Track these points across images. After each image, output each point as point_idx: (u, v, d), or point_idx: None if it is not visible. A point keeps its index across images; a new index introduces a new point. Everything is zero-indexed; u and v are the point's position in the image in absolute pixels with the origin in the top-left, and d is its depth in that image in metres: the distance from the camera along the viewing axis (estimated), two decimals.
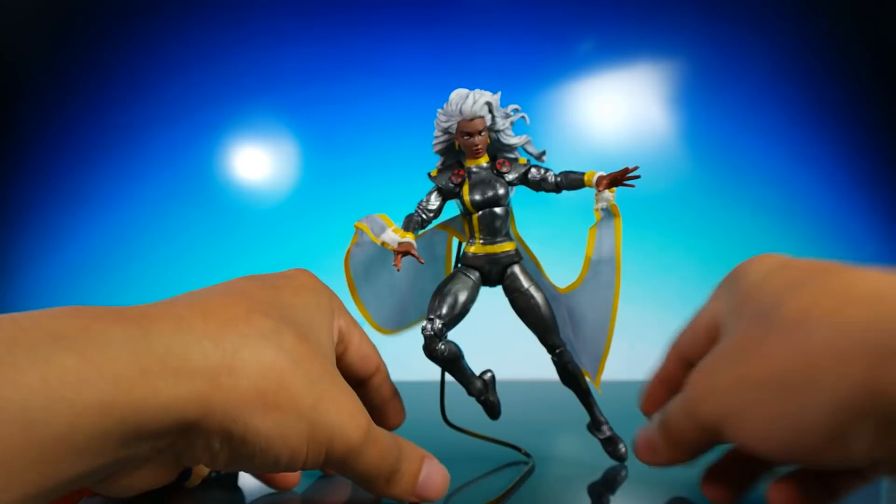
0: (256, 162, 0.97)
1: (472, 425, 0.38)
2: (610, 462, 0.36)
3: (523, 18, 0.92)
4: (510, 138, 0.35)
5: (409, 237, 0.33)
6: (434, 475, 0.27)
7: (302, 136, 0.96)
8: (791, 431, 0.20)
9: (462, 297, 0.34)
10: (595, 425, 0.36)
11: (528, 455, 0.38)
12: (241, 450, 0.22)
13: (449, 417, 0.38)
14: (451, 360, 0.34)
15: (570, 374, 0.36)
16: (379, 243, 0.33)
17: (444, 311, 0.33)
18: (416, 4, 0.92)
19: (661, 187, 0.88)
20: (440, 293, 0.34)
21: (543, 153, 0.35)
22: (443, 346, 0.33)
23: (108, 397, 0.19)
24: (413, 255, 0.32)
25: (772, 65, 0.89)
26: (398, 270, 0.33)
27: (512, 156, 0.36)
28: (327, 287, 0.31)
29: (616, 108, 0.92)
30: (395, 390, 0.35)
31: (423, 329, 0.33)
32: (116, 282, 0.94)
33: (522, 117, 0.35)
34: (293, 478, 0.32)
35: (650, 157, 0.89)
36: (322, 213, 0.91)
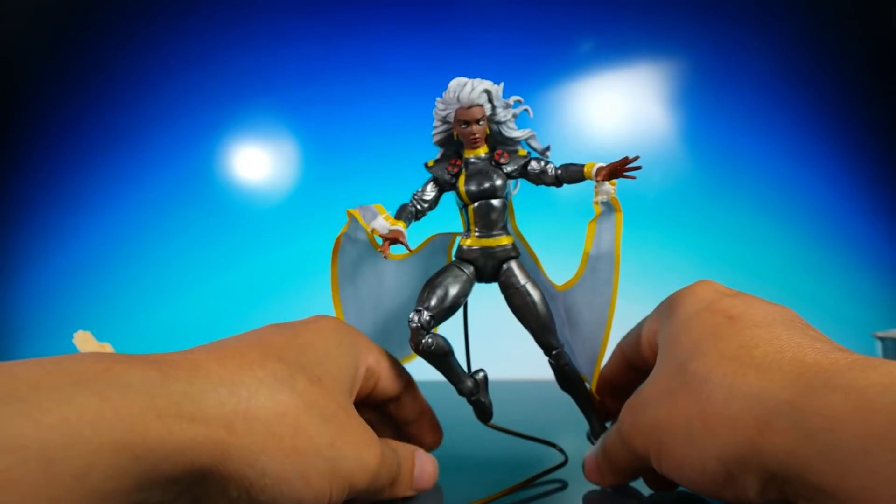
0: (256, 162, 0.97)
1: (506, 423, 0.38)
2: None
3: (523, 19, 0.92)
4: (512, 131, 0.34)
5: (401, 225, 0.32)
6: (426, 466, 0.30)
7: (302, 136, 0.96)
8: (696, 472, 0.24)
9: (453, 289, 0.32)
10: (594, 434, 0.35)
11: (562, 451, 0.38)
12: (260, 498, 0.22)
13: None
14: (438, 355, 0.32)
15: (568, 378, 0.34)
16: (369, 230, 0.32)
17: (433, 302, 0.32)
18: (416, 4, 0.92)
19: (661, 187, 0.88)
20: (430, 285, 0.33)
21: (547, 148, 0.34)
22: (430, 340, 0.32)
23: (124, 437, 0.19)
24: (402, 243, 0.32)
25: (772, 65, 0.89)
26: (385, 258, 0.32)
27: (512, 148, 0.34)
28: (352, 328, 0.32)
29: (616, 108, 0.92)
30: (427, 405, 0.35)
31: (410, 321, 0.32)
32: (116, 282, 0.94)
33: (526, 110, 0.34)
34: None
35: (650, 157, 0.89)
36: (322, 213, 0.91)
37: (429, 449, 0.35)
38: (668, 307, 0.30)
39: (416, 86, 0.90)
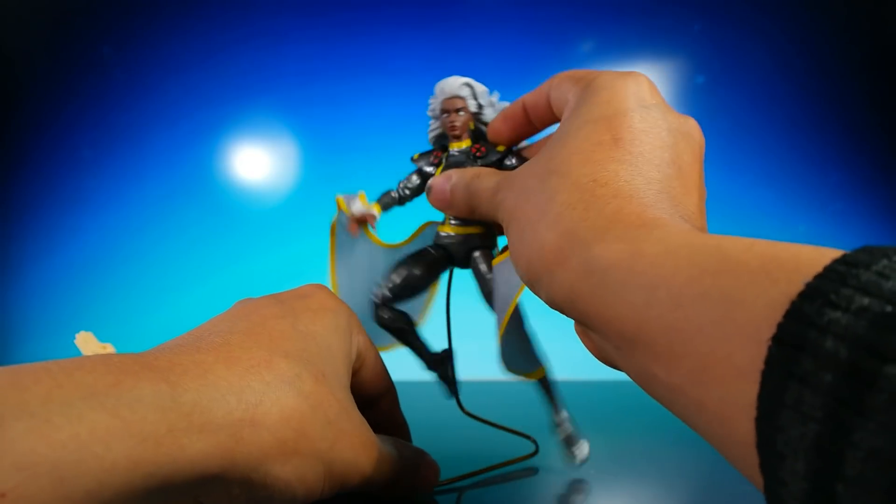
0: (256, 162, 0.97)
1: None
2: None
3: (523, 19, 0.92)
4: None
5: (374, 208, 0.35)
6: (429, 469, 0.30)
7: (302, 136, 0.96)
8: (517, 265, 0.26)
9: (416, 270, 0.34)
10: (553, 424, 0.35)
11: (534, 441, 0.38)
12: (259, 494, 0.23)
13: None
14: (398, 330, 0.35)
15: None
16: (348, 214, 0.35)
17: (394, 280, 0.34)
18: (416, 4, 0.92)
19: None
20: (397, 264, 0.35)
21: None
22: (387, 315, 0.34)
23: (136, 454, 0.19)
24: (368, 223, 0.34)
25: (771, 64, 0.89)
26: (353, 237, 0.34)
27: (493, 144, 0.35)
28: (345, 305, 0.32)
29: None
30: (404, 419, 0.35)
31: (372, 294, 0.34)
32: (116, 282, 0.94)
33: None
34: None
35: None
36: (322, 213, 0.90)
37: None
38: (581, 93, 0.29)
39: (416, 86, 0.90)
